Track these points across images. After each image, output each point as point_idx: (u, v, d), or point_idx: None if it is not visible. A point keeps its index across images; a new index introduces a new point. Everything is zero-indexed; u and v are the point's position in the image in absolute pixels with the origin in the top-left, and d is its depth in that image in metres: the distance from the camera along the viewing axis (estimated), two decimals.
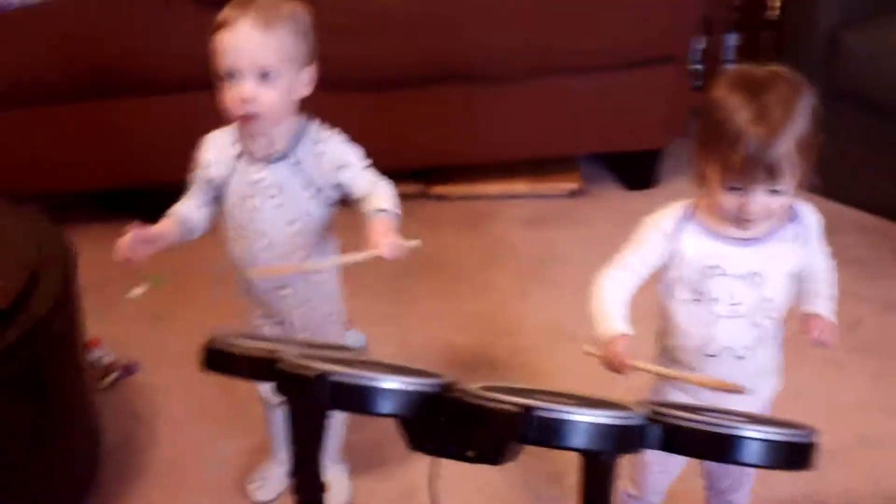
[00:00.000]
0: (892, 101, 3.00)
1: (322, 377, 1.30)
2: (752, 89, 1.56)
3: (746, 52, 3.69)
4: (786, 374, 1.85)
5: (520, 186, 3.36)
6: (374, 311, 2.78)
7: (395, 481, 2.26)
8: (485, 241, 3.16)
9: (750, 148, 1.53)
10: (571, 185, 3.34)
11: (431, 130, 3.17)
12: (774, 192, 1.57)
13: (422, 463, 1.42)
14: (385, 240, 1.75)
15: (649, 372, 1.69)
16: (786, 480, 2.22)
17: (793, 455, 1.33)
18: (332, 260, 1.95)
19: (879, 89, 3.02)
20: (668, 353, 1.77)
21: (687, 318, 1.70)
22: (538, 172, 3.38)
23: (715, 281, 1.66)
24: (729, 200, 1.59)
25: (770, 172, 1.54)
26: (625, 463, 1.87)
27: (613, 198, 3.29)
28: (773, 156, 1.53)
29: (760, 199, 1.57)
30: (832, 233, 2.89)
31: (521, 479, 2.26)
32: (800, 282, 1.74)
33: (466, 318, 2.79)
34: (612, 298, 1.69)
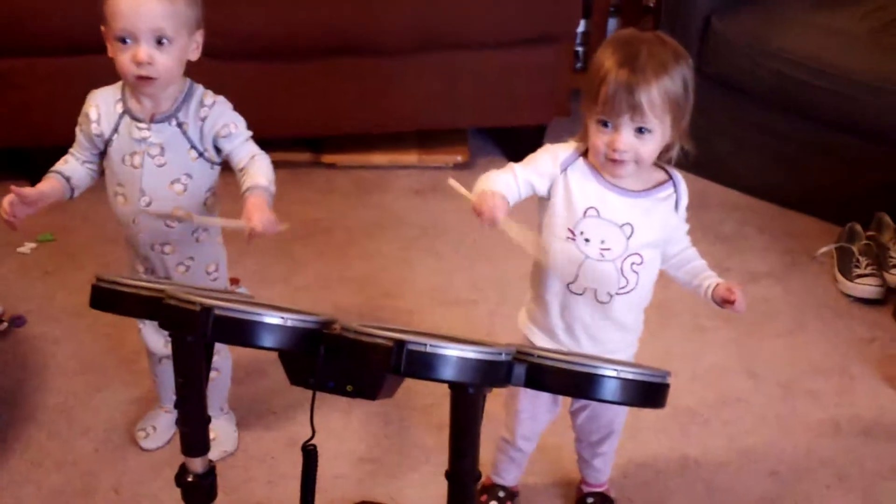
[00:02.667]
0: (755, 85, 3.16)
1: (206, 311, 1.37)
2: (628, 42, 1.69)
3: None
4: (653, 339, 1.97)
5: (408, 157, 3.42)
6: (262, 272, 2.85)
7: (282, 431, 2.32)
8: (373, 208, 3.22)
9: (614, 85, 1.64)
10: (457, 158, 3.42)
11: (322, 100, 3.20)
12: (640, 132, 1.68)
13: (307, 414, 1.47)
14: (258, 214, 1.79)
15: (513, 237, 1.67)
16: (651, 436, 2.36)
17: (646, 393, 1.41)
18: (206, 219, 1.97)
19: (744, 73, 3.17)
20: (539, 293, 1.86)
21: (559, 254, 1.79)
22: (427, 144, 3.45)
23: (589, 222, 1.76)
24: (600, 137, 1.70)
25: (633, 109, 1.65)
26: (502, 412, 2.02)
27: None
28: (636, 97, 1.64)
29: (627, 137, 1.68)
30: (702, 208, 3.05)
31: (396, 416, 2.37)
32: (672, 257, 1.86)
33: (353, 281, 2.87)
34: (497, 182, 1.74)
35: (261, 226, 1.77)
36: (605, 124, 1.69)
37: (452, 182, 1.71)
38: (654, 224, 1.79)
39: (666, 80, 1.65)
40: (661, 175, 1.80)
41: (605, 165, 1.73)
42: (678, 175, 1.81)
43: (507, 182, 1.75)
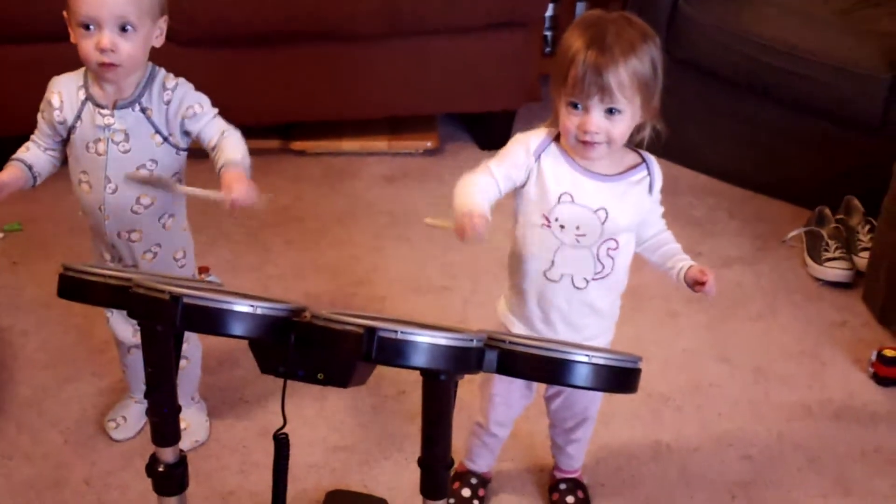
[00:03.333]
0: (724, 68, 3.16)
1: (175, 299, 1.35)
2: (594, 24, 1.68)
3: None
4: (625, 324, 1.96)
5: (378, 144, 3.40)
6: (234, 261, 2.83)
7: (254, 420, 2.31)
8: (344, 196, 3.20)
9: (583, 67, 1.64)
10: (427, 144, 3.41)
11: (291, 87, 3.18)
12: (611, 113, 1.67)
13: (280, 403, 1.47)
14: (238, 185, 1.78)
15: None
16: (624, 422, 2.36)
17: (618, 378, 1.40)
18: (186, 188, 1.95)
19: (713, 57, 3.17)
20: (516, 282, 1.85)
21: (535, 242, 1.79)
22: (397, 130, 3.44)
23: (564, 208, 1.75)
24: (570, 120, 1.69)
25: (602, 90, 1.65)
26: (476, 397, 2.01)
27: (467, 157, 3.36)
28: (605, 77, 1.64)
29: (597, 119, 1.67)
30: (673, 193, 3.05)
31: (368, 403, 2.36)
32: (647, 240, 1.86)
33: (324, 269, 2.85)
34: (476, 190, 1.73)
35: (242, 196, 1.76)
36: (575, 106, 1.68)
37: (429, 220, 1.71)
38: (628, 208, 1.78)
39: (634, 60, 1.65)
40: (634, 158, 1.80)
41: (577, 148, 1.72)
42: (651, 157, 1.81)
43: (486, 185, 1.75)
